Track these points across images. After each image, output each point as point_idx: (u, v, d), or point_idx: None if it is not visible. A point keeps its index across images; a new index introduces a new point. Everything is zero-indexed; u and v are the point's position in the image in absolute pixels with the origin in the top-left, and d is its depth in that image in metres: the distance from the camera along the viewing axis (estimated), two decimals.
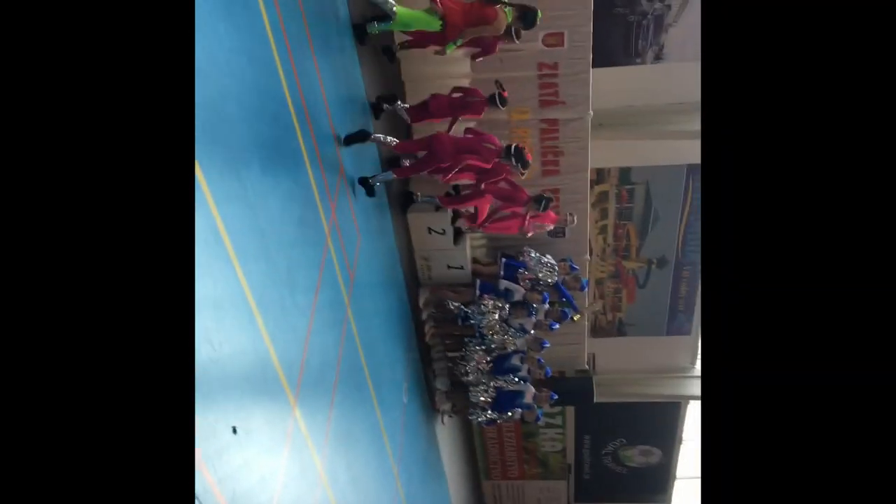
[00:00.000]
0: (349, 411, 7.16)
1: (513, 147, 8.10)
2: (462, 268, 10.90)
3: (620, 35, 11.60)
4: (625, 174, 13.52)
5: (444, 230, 10.36)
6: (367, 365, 7.90)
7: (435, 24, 7.69)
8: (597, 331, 15.68)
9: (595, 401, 14.91)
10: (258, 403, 4.93)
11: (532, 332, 11.16)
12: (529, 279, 10.90)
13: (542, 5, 9.08)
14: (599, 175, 13.45)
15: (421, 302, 11.05)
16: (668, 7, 11.26)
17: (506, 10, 7.90)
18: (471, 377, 11.29)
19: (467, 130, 8.42)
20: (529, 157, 8.26)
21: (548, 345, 11.17)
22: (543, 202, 9.42)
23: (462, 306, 10.85)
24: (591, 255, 13.16)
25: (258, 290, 4.97)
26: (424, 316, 11.28)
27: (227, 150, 4.66)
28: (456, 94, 8.76)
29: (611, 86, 11.63)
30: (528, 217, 10.02)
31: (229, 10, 4.78)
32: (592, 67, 10.12)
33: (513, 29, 8.04)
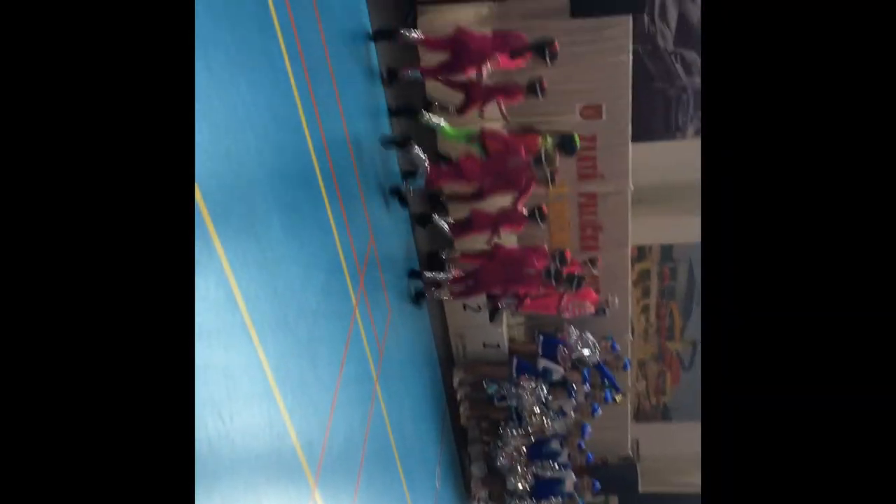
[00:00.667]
0: (376, 496, 6.72)
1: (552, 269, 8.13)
2: (499, 346, 10.51)
3: (660, 110, 11.43)
4: (666, 252, 13.12)
5: (479, 307, 10.04)
6: (397, 446, 7.48)
7: (477, 149, 7.91)
8: (640, 415, 15.00)
9: (640, 490, 14.11)
10: (272, 484, 4.55)
11: (572, 414, 10.66)
12: (569, 358, 10.44)
13: (580, 76, 9.00)
14: (640, 253, 13.07)
15: (455, 382, 10.64)
16: None
17: (546, 137, 7.92)
18: (506, 462, 10.75)
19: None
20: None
21: (589, 429, 10.63)
22: (575, 281, 8.71)
23: (498, 386, 10.41)
24: (632, 334, 12.68)
25: (276, 361, 4.65)
26: (459, 396, 10.85)
27: (246, 211, 4.43)
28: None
29: (650, 161, 11.36)
30: (564, 297, 9.66)
31: (252, 66, 4.63)
32: (632, 142, 9.90)
33: (550, 173, 7.89)
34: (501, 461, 10.73)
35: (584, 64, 8.94)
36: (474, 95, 7.78)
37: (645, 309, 13.71)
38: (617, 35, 8.80)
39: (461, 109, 7.97)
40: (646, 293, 13.55)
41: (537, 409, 10.28)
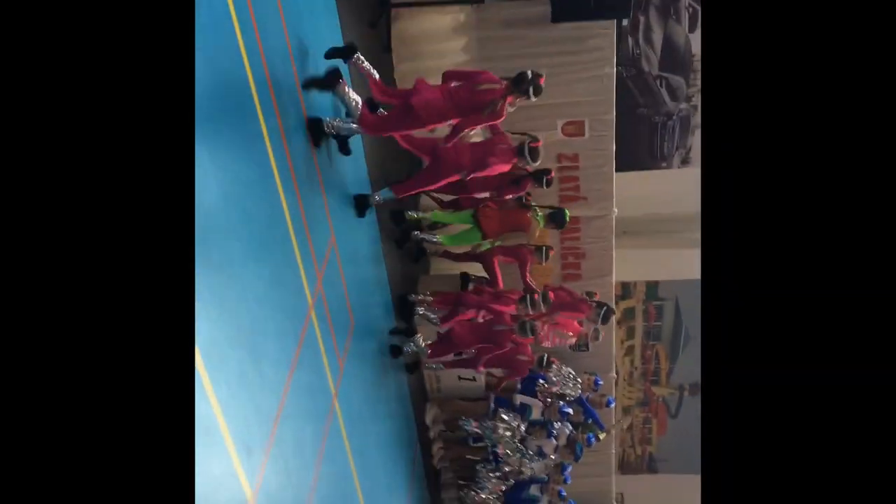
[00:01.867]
0: None
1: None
2: (474, 379, 9.80)
3: (645, 137, 11.02)
4: (652, 289, 12.58)
5: (474, 377, 9.51)
6: (358, 475, 6.75)
7: (476, 237, 8.14)
8: (625, 466, 14.24)
9: None
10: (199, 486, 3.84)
11: (553, 456, 9.92)
12: (550, 393, 9.74)
13: (560, 91, 8.57)
14: (625, 290, 12.52)
15: (428, 419, 9.90)
16: (695, 108, 10.71)
17: (537, 216, 8.04)
18: None
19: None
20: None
21: (570, 469, 9.90)
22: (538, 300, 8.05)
23: (474, 425, 9.68)
24: (617, 376, 12.04)
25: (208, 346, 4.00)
26: (432, 435, 10.10)
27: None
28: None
29: (635, 191, 10.91)
30: (545, 325, 9.05)
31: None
32: (616, 171, 9.44)
33: (544, 250, 8.30)
34: None
35: (567, 76, 8.50)
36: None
37: (629, 350, 13.10)
38: (601, 45, 8.39)
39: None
40: (630, 334, 12.95)
41: (513, 447, 9.53)
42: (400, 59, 8.42)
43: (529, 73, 5.90)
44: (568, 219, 8.05)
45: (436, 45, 8.38)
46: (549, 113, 8.86)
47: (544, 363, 8.94)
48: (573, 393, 9.80)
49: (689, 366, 13.12)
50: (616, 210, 9.53)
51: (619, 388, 12.37)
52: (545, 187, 7.62)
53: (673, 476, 14.31)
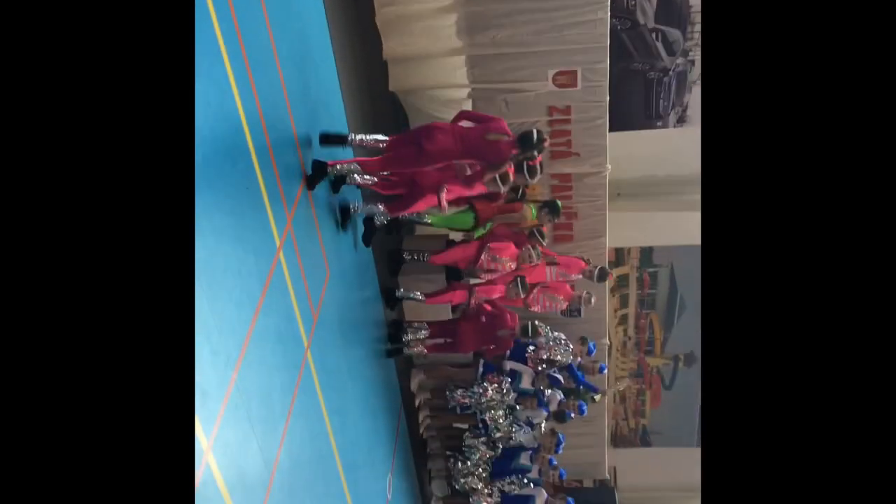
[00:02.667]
0: (306, 486, 5.57)
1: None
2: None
3: (640, 94, 10.59)
4: (646, 255, 12.19)
5: None
6: (335, 436, 6.35)
7: (469, 220, 8.04)
8: (618, 440, 13.90)
9: None
10: None
11: (543, 425, 9.54)
12: (540, 359, 9.34)
13: (550, 38, 8.13)
14: (618, 256, 12.12)
15: (413, 385, 9.49)
16: (692, 63, 10.27)
17: (531, 206, 8.18)
18: (469, 480, 9.57)
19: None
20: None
21: (563, 439, 9.52)
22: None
23: (463, 391, 9.29)
24: (610, 345, 11.65)
25: None
26: (418, 402, 9.70)
27: None
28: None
29: (629, 151, 10.46)
30: (537, 290, 8.68)
31: None
32: (609, 131, 9.01)
33: (536, 230, 8.12)
34: (464, 477, 9.57)
35: (558, 21, 8.04)
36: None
37: (623, 320, 12.72)
38: None
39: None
40: (623, 302, 12.57)
41: (503, 417, 9.15)
42: (381, 4, 7.98)
43: (535, 133, 6.35)
44: (561, 209, 8.02)
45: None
46: (538, 62, 8.42)
47: (529, 332, 8.55)
48: (564, 359, 9.41)
49: (685, 335, 12.76)
50: (610, 167, 9.10)
51: (611, 359, 11.97)
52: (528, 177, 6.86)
53: (666, 449, 13.98)
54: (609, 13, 8.10)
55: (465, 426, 9.89)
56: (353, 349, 7.08)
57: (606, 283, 9.97)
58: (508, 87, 8.57)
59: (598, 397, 9.72)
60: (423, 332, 8.49)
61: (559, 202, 8.26)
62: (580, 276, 8.82)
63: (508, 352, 9.56)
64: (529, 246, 7.86)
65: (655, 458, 14.09)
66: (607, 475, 12.03)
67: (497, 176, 6.41)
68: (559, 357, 9.36)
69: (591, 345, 9.51)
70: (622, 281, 12.32)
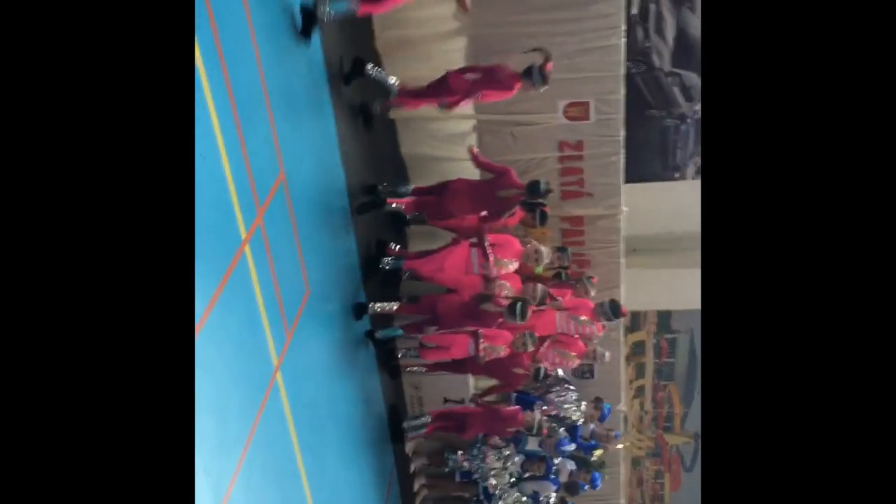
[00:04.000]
0: None
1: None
2: (463, 401, 8.51)
3: (655, 143, 10.00)
4: (664, 320, 11.34)
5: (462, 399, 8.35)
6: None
7: None
8: None
9: None
10: None
11: (553, 499, 8.57)
12: (549, 416, 8.42)
13: (561, 65, 7.57)
14: (634, 321, 11.30)
15: (408, 448, 8.57)
16: None
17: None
18: None
19: None
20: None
21: None
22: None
23: (461, 457, 8.37)
24: (625, 422, 10.70)
25: None
26: (413, 469, 8.75)
27: None
28: None
29: (645, 205, 9.80)
30: (545, 344, 7.92)
31: None
32: (623, 182, 8.41)
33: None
34: None
35: (569, 48, 7.52)
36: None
37: (639, 391, 11.78)
38: (608, 11, 7.42)
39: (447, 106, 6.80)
40: (640, 371, 11.66)
41: (506, 480, 8.18)
42: (384, 27, 7.51)
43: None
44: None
45: (425, 11, 7.46)
46: (548, 92, 7.81)
47: (541, 376, 7.75)
48: (573, 418, 8.50)
49: None
50: (626, 209, 8.42)
51: (626, 433, 11.01)
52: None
53: None
54: (624, 38, 7.59)
55: (467, 496, 8.94)
56: (337, 382, 6.27)
57: (622, 339, 9.19)
58: (515, 120, 8.01)
59: (598, 453, 8.77)
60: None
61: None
62: (593, 328, 8.03)
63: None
64: (534, 242, 7.22)
65: None
66: None
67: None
68: (569, 414, 8.45)
69: (605, 408, 8.63)
70: (638, 348, 11.45)
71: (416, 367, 8.00)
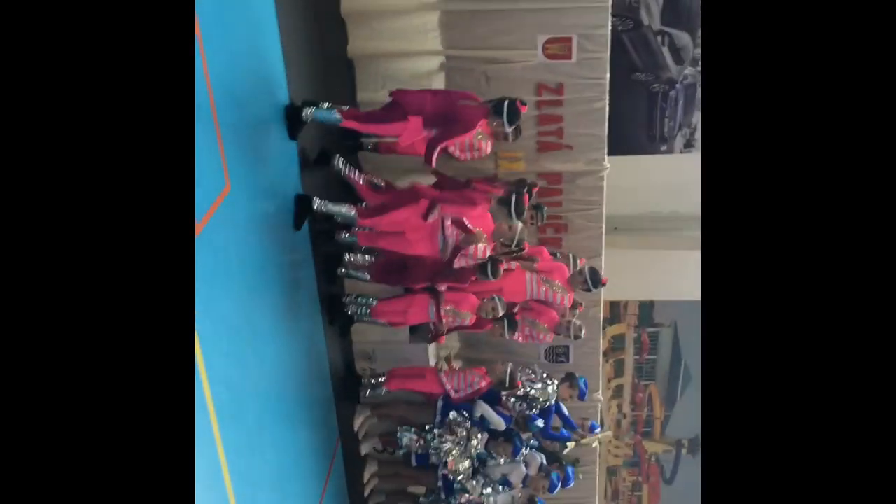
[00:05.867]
0: None
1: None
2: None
3: (642, 111, 9.23)
4: (646, 311, 10.46)
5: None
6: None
7: None
8: None
9: None
10: None
11: (521, 487, 7.57)
12: (517, 396, 7.43)
13: None
14: (613, 312, 10.41)
15: (357, 423, 7.55)
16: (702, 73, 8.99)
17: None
18: None
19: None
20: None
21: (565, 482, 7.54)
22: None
23: (417, 437, 7.35)
24: (601, 425, 9.74)
25: None
26: (363, 450, 7.73)
27: None
28: None
29: (628, 180, 8.94)
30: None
31: None
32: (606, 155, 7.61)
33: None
34: None
35: None
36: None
37: (617, 392, 10.84)
38: None
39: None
40: (618, 369, 10.73)
41: (467, 464, 7.16)
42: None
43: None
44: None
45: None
46: (528, 26, 7.07)
47: (507, 383, 7.06)
48: (543, 398, 7.51)
49: (689, 415, 10.84)
50: (608, 165, 7.59)
51: (604, 430, 10.03)
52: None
53: None
54: None
55: (423, 491, 7.92)
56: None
57: (601, 316, 8.31)
58: (490, 56, 7.19)
59: (571, 445, 7.80)
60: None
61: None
62: (566, 297, 7.11)
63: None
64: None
65: None
66: None
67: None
68: (537, 394, 7.46)
69: (581, 383, 7.64)
70: (617, 343, 10.55)
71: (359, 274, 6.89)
